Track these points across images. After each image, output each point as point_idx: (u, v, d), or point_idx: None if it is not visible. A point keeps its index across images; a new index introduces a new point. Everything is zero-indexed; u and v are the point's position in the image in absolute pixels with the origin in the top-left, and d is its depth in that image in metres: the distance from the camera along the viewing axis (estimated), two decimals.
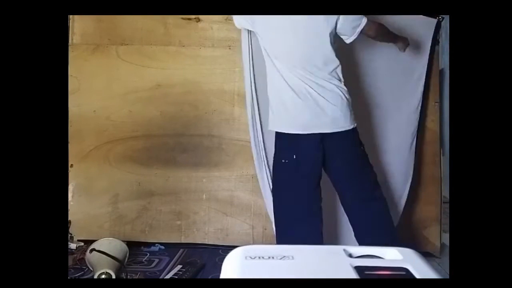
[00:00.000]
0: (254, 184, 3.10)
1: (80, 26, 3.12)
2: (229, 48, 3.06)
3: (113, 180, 3.13)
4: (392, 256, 0.88)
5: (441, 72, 3.17)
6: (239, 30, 2.91)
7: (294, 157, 2.36)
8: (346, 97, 2.42)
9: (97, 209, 3.13)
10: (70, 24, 3.10)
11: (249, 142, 2.97)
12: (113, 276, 2.44)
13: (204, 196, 3.15)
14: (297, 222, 2.39)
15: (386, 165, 3.00)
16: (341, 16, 2.43)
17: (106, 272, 2.44)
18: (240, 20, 2.60)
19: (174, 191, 3.15)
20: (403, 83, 3.01)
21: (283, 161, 2.41)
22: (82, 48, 3.13)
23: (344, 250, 0.88)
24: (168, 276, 2.66)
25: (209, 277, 2.65)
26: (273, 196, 2.59)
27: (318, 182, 2.44)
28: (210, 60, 3.11)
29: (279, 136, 2.44)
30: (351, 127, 2.42)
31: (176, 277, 2.65)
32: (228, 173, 3.13)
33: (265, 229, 3.12)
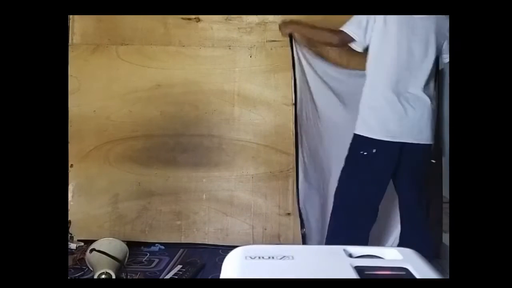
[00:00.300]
0: (254, 184, 3.10)
1: (80, 26, 3.12)
2: (229, 48, 3.06)
3: (113, 180, 3.13)
4: (392, 256, 0.88)
5: (441, 72, 3.16)
6: (239, 30, 2.91)
7: (374, 151, 2.39)
8: (432, 112, 2.43)
9: (97, 209, 3.13)
10: (70, 24, 3.09)
11: (249, 142, 2.97)
12: (113, 276, 2.44)
13: (204, 196, 3.15)
14: (354, 214, 2.43)
15: None
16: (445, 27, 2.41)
17: (106, 272, 2.44)
18: (361, 42, 2.50)
19: (174, 191, 3.15)
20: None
21: (361, 152, 2.42)
22: (82, 48, 3.12)
23: (344, 250, 0.88)
24: (168, 276, 2.66)
25: (209, 277, 2.65)
26: (339, 184, 2.53)
27: (385, 186, 2.46)
28: (210, 60, 3.11)
29: (363, 138, 2.44)
30: (431, 142, 2.45)
31: (176, 277, 2.65)
32: (228, 173, 3.13)
33: (265, 229, 3.12)
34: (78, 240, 3.03)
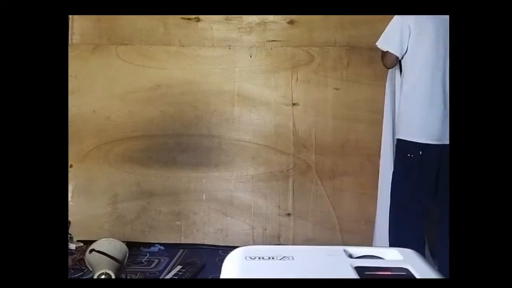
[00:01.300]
0: (254, 185, 3.10)
1: (79, 26, 3.11)
2: (229, 48, 3.06)
3: (113, 181, 3.13)
4: (392, 257, 0.88)
5: None
6: (239, 30, 2.91)
7: (420, 153, 2.40)
8: None
9: (96, 210, 3.13)
10: (70, 24, 3.09)
11: (249, 142, 2.97)
12: (113, 277, 2.43)
13: (204, 197, 3.14)
14: (407, 215, 2.46)
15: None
16: None
17: (106, 273, 2.43)
18: (402, 54, 2.47)
19: (174, 191, 3.15)
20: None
21: (408, 155, 2.44)
22: (81, 48, 3.12)
23: (344, 250, 0.88)
24: (168, 277, 2.65)
25: (209, 278, 2.65)
26: (392, 186, 2.54)
27: (433, 188, 2.45)
28: (210, 60, 3.11)
29: (407, 142, 2.45)
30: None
31: (176, 277, 2.65)
32: (228, 174, 3.13)
33: (265, 229, 3.12)
34: (78, 241, 3.02)
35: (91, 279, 2.49)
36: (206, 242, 3.13)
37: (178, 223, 3.14)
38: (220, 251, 2.98)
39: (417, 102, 2.43)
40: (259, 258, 0.84)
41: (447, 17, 2.34)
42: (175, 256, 2.96)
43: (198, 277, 2.68)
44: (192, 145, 3.14)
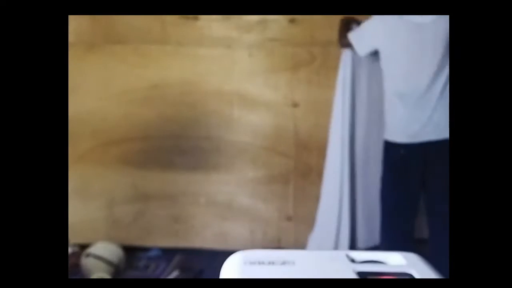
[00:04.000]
0: (253, 188, 3.08)
1: (74, 24, 3.08)
2: (228, 47, 3.04)
3: (109, 183, 3.12)
4: (395, 261, 0.89)
5: None
6: (239, 29, 2.89)
7: (403, 153, 2.47)
8: (445, 107, 2.45)
9: (92, 213, 3.12)
10: None
11: (249, 144, 2.95)
12: None
13: (202, 200, 3.14)
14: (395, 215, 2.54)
15: None
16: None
17: (102, 277, 2.43)
18: (364, 48, 2.56)
19: (172, 194, 3.14)
20: None
21: (391, 156, 2.52)
22: (76, 47, 3.08)
23: (347, 255, 0.89)
24: None
25: None
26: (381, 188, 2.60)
27: (420, 187, 2.50)
28: (208, 59, 3.09)
29: (389, 143, 2.52)
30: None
31: None
32: (227, 176, 3.13)
33: (265, 233, 3.12)
34: (74, 244, 2.99)
35: (91, 279, 2.48)
36: (204, 246, 3.11)
37: (176, 227, 3.13)
38: (219, 256, 2.93)
39: (393, 102, 2.49)
40: (259, 263, 0.84)
41: (420, 19, 2.46)
42: (173, 260, 2.94)
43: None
44: (190, 147, 3.14)
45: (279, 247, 3.06)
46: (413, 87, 2.44)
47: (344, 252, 0.90)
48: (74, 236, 3.00)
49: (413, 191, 2.51)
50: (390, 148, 2.51)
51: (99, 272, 2.49)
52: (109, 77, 3.09)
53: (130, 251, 2.91)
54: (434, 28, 2.45)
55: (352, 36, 2.60)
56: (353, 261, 0.87)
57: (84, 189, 3.12)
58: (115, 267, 2.61)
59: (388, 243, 2.53)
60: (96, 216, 3.10)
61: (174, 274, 2.74)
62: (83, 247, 2.85)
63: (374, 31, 2.54)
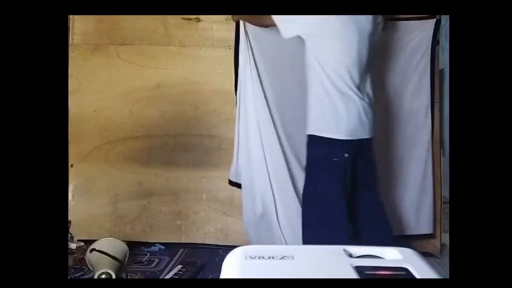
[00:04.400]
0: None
1: (80, 26, 3.12)
2: (229, 48, 3.03)
3: (113, 180, 3.13)
4: (392, 256, 0.88)
5: (441, 72, 3.16)
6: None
7: (346, 155, 2.34)
8: (371, 106, 2.45)
9: (97, 209, 3.12)
10: (70, 24, 3.09)
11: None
12: (113, 276, 2.44)
13: (204, 196, 3.14)
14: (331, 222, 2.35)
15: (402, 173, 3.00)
16: (380, 23, 2.48)
17: (106, 272, 2.44)
18: (290, 30, 2.45)
19: (174, 191, 3.15)
20: (407, 86, 2.99)
21: (334, 159, 2.35)
22: (82, 48, 3.12)
23: (344, 250, 0.88)
24: (168, 276, 2.66)
25: (209, 277, 2.65)
26: (308, 197, 2.44)
27: (349, 184, 2.39)
28: (210, 60, 3.10)
29: (324, 139, 2.37)
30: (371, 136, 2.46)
31: (176, 277, 2.65)
32: (228, 173, 3.12)
33: None
34: (78, 240, 3.02)
35: (92, 278, 2.49)
36: (206, 242, 3.12)
37: (178, 222, 3.14)
38: (220, 251, 2.98)
39: (335, 100, 2.35)
40: (259, 257, 0.84)
41: (353, 16, 2.38)
42: (176, 255, 2.95)
43: (199, 276, 2.68)
44: (192, 145, 3.14)
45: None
46: (351, 83, 2.34)
47: (341, 247, 0.89)
48: (79, 232, 3.05)
49: (342, 185, 2.37)
50: (320, 143, 2.37)
51: (104, 267, 2.48)
52: (113, 77, 3.10)
53: (134, 247, 2.91)
54: (369, 24, 2.42)
55: (278, 16, 2.45)
56: (350, 255, 0.87)
57: (89, 186, 3.13)
58: (119, 262, 2.61)
59: (312, 228, 2.37)
60: (100, 212, 3.11)
61: (176, 269, 2.76)
62: (88, 242, 2.87)
63: (303, 21, 2.40)
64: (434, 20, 2.94)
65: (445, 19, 2.99)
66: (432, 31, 2.95)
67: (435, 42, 2.97)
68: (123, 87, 3.03)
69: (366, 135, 2.40)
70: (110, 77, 3.12)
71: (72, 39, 3.09)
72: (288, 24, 2.44)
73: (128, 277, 2.59)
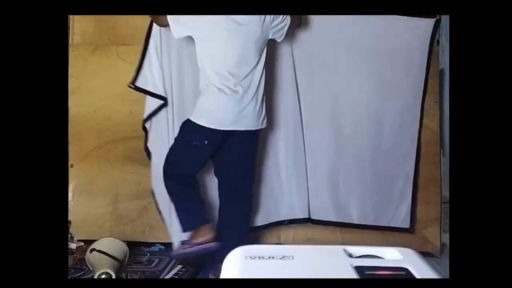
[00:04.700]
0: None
1: (80, 26, 3.11)
2: None
3: (113, 180, 3.12)
4: (392, 256, 0.88)
5: (441, 72, 3.16)
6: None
7: (206, 142, 2.58)
8: (258, 99, 2.57)
9: (97, 209, 3.12)
10: (70, 24, 3.09)
11: None
12: (113, 276, 2.44)
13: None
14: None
15: (387, 167, 3.02)
16: (273, 22, 2.56)
17: (106, 272, 2.44)
18: (179, 31, 2.61)
19: None
20: (402, 84, 3.00)
21: (194, 143, 2.60)
22: (82, 48, 3.12)
23: (344, 250, 0.89)
24: (168, 276, 2.66)
25: (209, 277, 2.65)
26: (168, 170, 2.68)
27: (203, 163, 2.71)
28: None
29: (196, 126, 2.57)
30: (258, 128, 2.61)
31: (176, 277, 2.65)
32: None
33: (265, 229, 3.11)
34: (78, 240, 3.02)
35: (92, 278, 2.49)
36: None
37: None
38: (220, 251, 2.97)
39: (207, 89, 2.56)
40: (259, 257, 0.84)
41: (247, 21, 2.51)
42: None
43: (198, 276, 2.68)
44: None
45: (278, 243, 3.06)
46: (228, 80, 2.52)
47: (341, 247, 0.89)
48: (79, 232, 3.05)
49: (195, 167, 2.69)
50: (194, 130, 2.57)
51: (104, 267, 2.48)
52: (113, 77, 3.08)
53: (134, 247, 2.92)
54: (252, 28, 2.52)
55: (171, 17, 2.59)
56: (350, 255, 0.87)
57: (89, 186, 3.13)
58: (119, 262, 2.62)
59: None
60: (100, 212, 3.10)
61: (176, 269, 2.76)
62: (88, 242, 2.87)
63: (188, 20, 2.56)
64: (434, 20, 2.95)
65: (445, 19, 2.99)
66: (431, 31, 2.95)
67: (433, 41, 2.97)
68: (123, 87, 3.01)
69: (238, 128, 2.55)
70: (110, 77, 3.11)
71: (72, 39, 3.08)
72: (177, 25, 2.59)
73: (128, 277, 2.59)
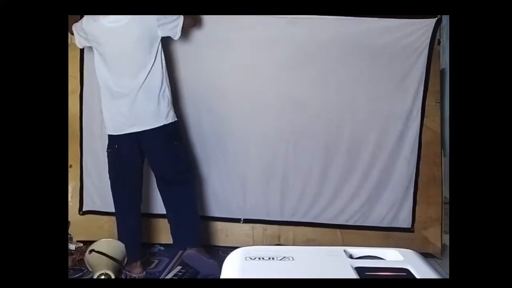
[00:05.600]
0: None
1: None
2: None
3: None
4: (392, 257, 0.89)
5: (442, 72, 3.16)
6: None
7: (116, 147, 2.65)
8: (161, 96, 2.60)
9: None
10: (70, 24, 3.08)
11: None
12: (112, 277, 2.44)
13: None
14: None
15: (388, 167, 3.01)
16: (159, 23, 2.58)
17: (105, 273, 2.44)
18: (78, 41, 2.72)
19: None
20: (401, 84, 3.00)
21: (108, 150, 2.69)
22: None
23: (345, 251, 0.89)
24: (167, 277, 2.65)
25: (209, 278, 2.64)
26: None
27: (138, 172, 2.73)
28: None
29: (108, 136, 2.68)
30: (161, 124, 2.60)
31: (176, 278, 2.65)
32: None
33: (265, 229, 3.10)
34: (77, 241, 3.02)
35: (91, 279, 2.49)
36: (206, 243, 3.09)
37: None
38: (220, 252, 2.97)
39: (104, 97, 2.65)
40: (259, 258, 0.85)
41: (134, 23, 2.53)
42: (175, 256, 2.94)
43: (198, 277, 2.68)
44: None
45: (278, 243, 3.06)
46: (117, 83, 2.58)
47: (342, 248, 0.90)
48: (78, 233, 3.05)
49: (134, 178, 2.71)
50: (109, 141, 2.67)
51: (103, 268, 2.48)
52: None
53: None
54: (129, 30, 2.54)
55: (74, 27, 2.72)
56: (351, 256, 0.88)
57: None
58: (118, 263, 2.62)
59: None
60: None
61: (176, 270, 2.76)
62: (87, 243, 2.87)
63: (80, 29, 2.67)
64: (435, 20, 2.94)
65: (446, 19, 2.99)
66: (431, 31, 2.95)
67: (433, 41, 2.97)
68: None
69: (138, 129, 2.58)
70: None
71: (72, 39, 3.08)
72: (77, 35, 2.71)
73: (128, 278, 2.59)
